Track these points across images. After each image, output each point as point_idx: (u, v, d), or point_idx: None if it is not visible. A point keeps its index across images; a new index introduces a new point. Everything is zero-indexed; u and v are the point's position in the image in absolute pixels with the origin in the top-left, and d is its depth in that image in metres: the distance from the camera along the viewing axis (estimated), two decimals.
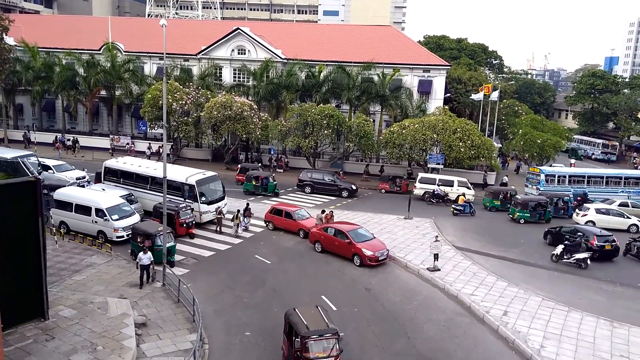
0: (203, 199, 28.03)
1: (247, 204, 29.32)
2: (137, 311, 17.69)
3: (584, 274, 24.30)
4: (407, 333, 17.62)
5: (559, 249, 25.72)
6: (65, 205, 25.58)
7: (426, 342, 17.10)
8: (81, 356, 14.44)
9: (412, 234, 28.70)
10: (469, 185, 37.74)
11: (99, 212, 24.63)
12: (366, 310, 19.17)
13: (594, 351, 16.75)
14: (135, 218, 25.56)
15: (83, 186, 34.16)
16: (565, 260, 25.31)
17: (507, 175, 46.19)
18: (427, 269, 23.15)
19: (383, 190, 39.50)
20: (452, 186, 37.28)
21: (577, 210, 33.64)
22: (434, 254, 23.22)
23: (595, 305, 20.53)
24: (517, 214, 32.79)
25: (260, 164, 43.97)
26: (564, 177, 40.00)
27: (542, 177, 39.26)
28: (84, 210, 25.04)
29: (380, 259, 23.57)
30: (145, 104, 43.40)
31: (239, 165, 41.01)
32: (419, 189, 37.66)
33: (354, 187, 37.74)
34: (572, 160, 56.66)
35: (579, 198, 37.19)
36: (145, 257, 19.53)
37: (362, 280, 22.03)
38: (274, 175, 38.29)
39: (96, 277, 20.53)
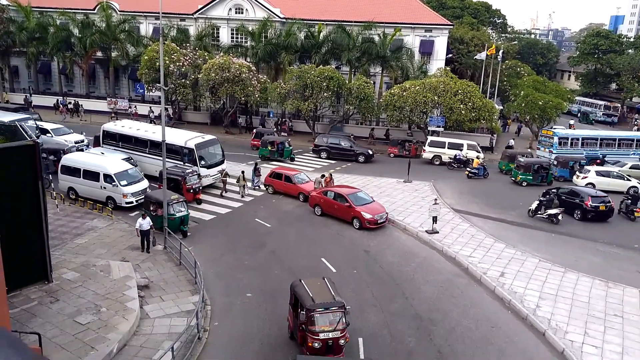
0: (202, 162, 27.89)
1: (256, 164, 30.25)
2: (140, 274, 17.95)
3: (580, 235, 24.55)
4: (405, 294, 17.93)
5: (534, 204, 26.62)
6: (73, 171, 25.25)
7: (423, 302, 17.42)
8: (85, 317, 14.74)
9: (411, 197, 28.80)
10: (478, 148, 37.68)
11: (107, 178, 24.30)
12: (365, 272, 19.45)
13: (588, 310, 17.08)
14: (144, 183, 25.30)
15: (82, 150, 34.09)
16: (539, 215, 26.27)
17: (513, 138, 45.86)
18: (426, 231, 23.35)
19: (392, 155, 39.03)
20: (462, 149, 37.15)
21: (577, 172, 33.68)
22: (433, 217, 23.38)
23: (592, 266, 20.82)
24: (520, 176, 32.82)
25: (261, 127, 43.65)
26: (577, 139, 39.71)
27: (555, 139, 39.07)
28: (92, 176, 24.68)
29: (379, 222, 23.74)
30: (142, 65, 42.72)
31: (254, 130, 40.14)
32: (429, 152, 37.45)
33: (370, 152, 37.22)
34: (571, 121, 56.19)
35: (597, 160, 37.17)
36: (145, 222, 19.40)
37: (361, 243, 22.25)
38: (289, 140, 37.60)
39: (98, 240, 20.73)
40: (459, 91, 38.58)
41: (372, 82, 43.15)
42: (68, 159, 25.96)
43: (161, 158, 25.76)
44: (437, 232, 23.21)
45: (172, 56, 41.48)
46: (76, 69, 52.11)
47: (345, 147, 37.42)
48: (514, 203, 29.00)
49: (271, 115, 46.20)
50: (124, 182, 24.43)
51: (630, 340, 15.53)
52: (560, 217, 25.84)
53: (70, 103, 49.16)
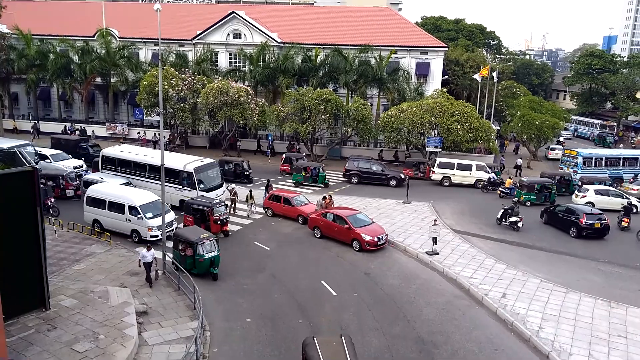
0: (201, 186, 27.92)
1: (268, 181, 31.70)
2: (138, 300, 17.77)
3: (581, 254, 24.45)
4: (407, 316, 17.76)
5: (500, 212, 28.19)
6: (98, 203, 24.17)
7: (425, 324, 17.24)
8: (83, 345, 14.53)
9: (410, 218, 28.76)
10: (487, 168, 37.88)
11: (133, 210, 23.20)
12: (366, 295, 19.29)
13: (592, 331, 16.90)
14: (171, 215, 23.86)
15: (81, 175, 34.03)
16: (504, 223, 27.90)
17: (520, 157, 45.58)
18: (426, 252, 23.25)
19: (407, 177, 37.41)
20: (470, 170, 37.30)
21: (576, 191, 33.77)
22: (433, 238, 23.31)
23: (593, 286, 20.68)
24: (524, 196, 32.80)
25: (269, 151, 43.79)
26: (601, 159, 40.50)
27: (580, 159, 39.65)
28: (117, 207, 23.62)
29: (379, 243, 23.66)
30: (141, 90, 43.09)
31: (284, 155, 39.85)
32: (438, 174, 37.46)
33: (402, 177, 36.40)
34: (561, 138, 56.34)
35: (633, 177, 37.99)
36: (149, 255, 18.62)
37: (362, 265, 22.13)
38: (323, 165, 37.19)
39: (96, 266, 20.58)
40: (456, 112, 38.93)
41: (369, 104, 43.54)
42: (93, 190, 24.93)
43: (160, 182, 25.80)
44: (438, 254, 23.10)
45: (171, 81, 41.90)
46: (75, 94, 52.57)
47: (377, 172, 36.96)
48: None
49: (269, 138, 46.38)
50: (149, 215, 23.14)
51: None
52: (520, 224, 27.37)
53: (77, 130, 49.24)
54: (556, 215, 28.42)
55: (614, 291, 20.23)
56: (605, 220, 26.82)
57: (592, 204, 31.37)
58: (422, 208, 30.84)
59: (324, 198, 28.21)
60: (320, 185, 35.41)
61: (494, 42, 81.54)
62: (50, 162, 34.03)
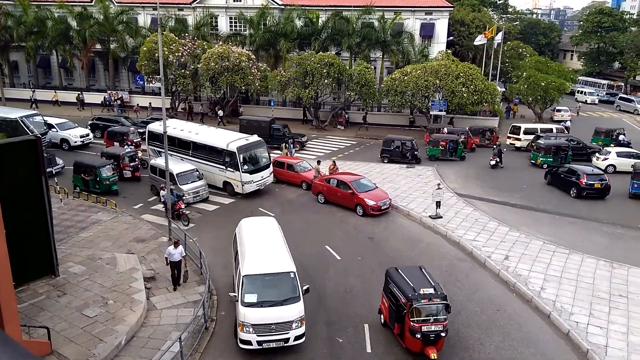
0: (245, 167, 25.48)
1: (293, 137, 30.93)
2: (145, 265, 18.07)
3: (584, 216, 24.52)
4: None
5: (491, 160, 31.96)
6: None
7: None
8: (93, 310, 14.88)
9: (414, 182, 28.78)
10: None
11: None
12: (370, 259, 19.52)
13: (593, 291, 17.12)
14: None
15: (87, 144, 34.33)
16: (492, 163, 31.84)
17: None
18: (429, 216, 23.37)
19: (474, 145, 36.61)
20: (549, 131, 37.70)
21: (597, 154, 33.44)
22: (436, 202, 23.37)
23: (596, 247, 20.82)
24: (540, 158, 32.58)
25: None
26: None
27: None
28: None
29: (382, 208, 23.76)
30: (141, 57, 42.53)
31: (426, 127, 38.16)
32: (524, 140, 37.05)
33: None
34: (579, 105, 55.45)
35: None
36: (177, 252, 16.55)
37: (365, 230, 22.30)
38: (461, 138, 34.74)
39: (103, 233, 20.84)
40: (461, 74, 38.32)
41: (372, 67, 42.91)
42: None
43: (205, 161, 26.50)
44: (441, 217, 23.21)
45: (171, 47, 41.28)
46: (76, 62, 51.94)
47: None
48: (517, 186, 28.94)
49: (272, 104, 45.97)
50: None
51: (635, 320, 15.58)
52: (492, 162, 31.93)
53: (118, 100, 48.14)
54: (559, 176, 28.52)
55: (616, 252, 20.38)
56: (606, 181, 26.82)
57: (614, 167, 31.23)
58: (426, 172, 30.80)
59: (319, 162, 28.15)
60: (457, 158, 33.66)
61: (500, 2, 79.44)
62: (57, 130, 34.17)
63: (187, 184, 24.73)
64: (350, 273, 18.33)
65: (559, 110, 49.69)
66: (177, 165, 25.55)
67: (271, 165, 27.27)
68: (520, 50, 59.58)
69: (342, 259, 19.46)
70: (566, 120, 46.09)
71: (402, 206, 24.84)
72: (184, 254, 16.95)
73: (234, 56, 40.33)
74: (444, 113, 39.70)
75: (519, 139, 37.82)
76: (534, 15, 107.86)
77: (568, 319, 15.43)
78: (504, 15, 79.98)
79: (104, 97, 48.66)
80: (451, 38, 54.10)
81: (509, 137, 38.65)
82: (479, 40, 47.69)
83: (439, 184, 25.15)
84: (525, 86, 45.41)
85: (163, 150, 27.69)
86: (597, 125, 40.79)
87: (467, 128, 38.35)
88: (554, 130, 38.04)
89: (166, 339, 14.02)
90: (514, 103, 52.30)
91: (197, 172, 25.57)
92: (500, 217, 23.67)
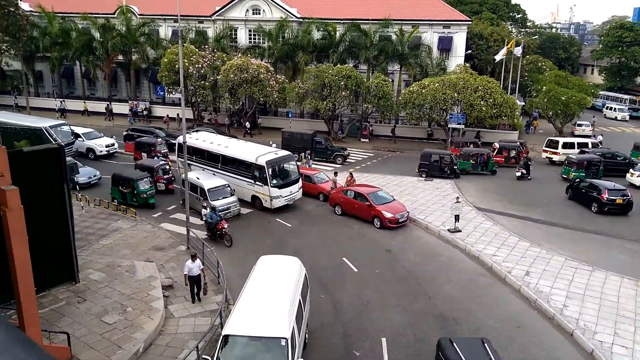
0: (274, 181, 24.95)
1: (335, 173, 29.47)
2: (164, 274, 18.16)
3: (607, 232, 24.03)
4: (428, 293, 17.78)
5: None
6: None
7: (447, 301, 17.25)
8: (112, 317, 14.97)
9: (432, 195, 28.56)
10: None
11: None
12: (387, 272, 19.35)
13: (617, 310, 16.70)
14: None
15: (113, 154, 34.93)
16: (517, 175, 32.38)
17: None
18: (448, 230, 23.13)
19: (497, 165, 34.91)
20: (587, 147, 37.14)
21: (631, 170, 32.79)
22: (455, 215, 23.14)
23: (619, 264, 20.36)
24: (572, 173, 31.97)
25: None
26: None
27: None
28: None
29: (400, 220, 23.60)
30: (162, 68, 43.25)
31: (450, 140, 38.19)
32: (562, 154, 36.38)
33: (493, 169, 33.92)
34: (594, 119, 54.46)
35: None
36: (195, 266, 16.25)
37: (383, 242, 22.15)
38: (492, 152, 34.65)
39: (123, 241, 21.04)
40: (479, 87, 38.12)
41: (390, 80, 42.94)
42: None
43: (234, 174, 26.08)
44: (460, 231, 22.96)
45: (191, 58, 41.90)
46: (98, 72, 53.00)
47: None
48: (538, 200, 28.53)
49: (290, 116, 46.20)
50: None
51: None
52: (518, 174, 32.34)
53: (145, 109, 49.23)
54: (580, 191, 28.15)
55: None
56: (628, 196, 26.39)
57: None
58: (444, 185, 30.57)
59: (336, 174, 28.14)
60: (488, 173, 33.38)
61: (519, 15, 79.11)
62: (83, 140, 34.72)
63: (219, 199, 23.85)
64: (367, 286, 18.18)
65: (579, 125, 49.04)
66: (209, 180, 24.86)
67: (300, 180, 26.49)
68: (539, 64, 59.16)
69: (359, 271, 19.33)
70: (596, 135, 45.25)
71: (420, 219, 24.65)
72: (202, 267, 16.62)
73: (253, 68, 40.75)
74: (462, 126, 39.44)
75: (556, 153, 37.17)
76: (553, 30, 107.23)
77: (592, 338, 15.05)
78: (523, 30, 79.56)
79: (131, 107, 49.47)
80: (469, 52, 54.00)
81: (545, 151, 38.10)
82: (500, 55, 47.46)
83: (457, 197, 24.94)
84: (545, 100, 44.98)
85: (193, 164, 27.97)
86: (636, 141, 39.88)
87: (497, 141, 38.42)
88: (590, 145, 37.41)
89: (184, 347, 14.02)
90: (534, 117, 51.70)
91: (229, 188, 24.78)
92: (521, 232, 23.32)
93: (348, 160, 36.60)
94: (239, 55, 44.67)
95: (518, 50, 47.54)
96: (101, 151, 34.84)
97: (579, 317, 16.19)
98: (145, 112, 49.00)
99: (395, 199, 25.08)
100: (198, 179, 24.77)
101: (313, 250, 21.27)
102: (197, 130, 35.70)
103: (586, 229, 24.43)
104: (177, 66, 38.49)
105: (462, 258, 20.85)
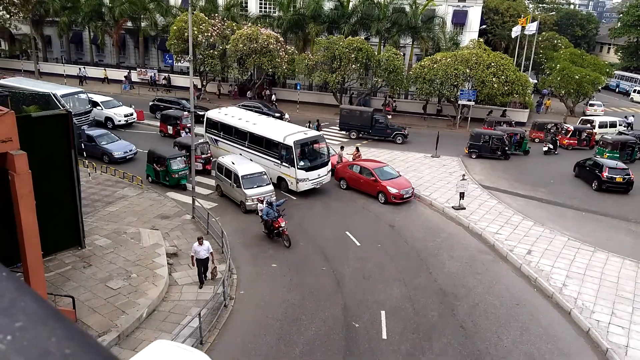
0: (301, 163, 23.65)
1: (318, 120, 31.53)
2: (169, 242, 18.44)
3: (612, 214, 23.98)
4: (429, 268, 17.96)
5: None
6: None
7: (447, 277, 17.43)
8: (117, 282, 15.30)
9: (438, 172, 28.53)
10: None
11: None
12: (389, 246, 19.52)
13: (616, 290, 16.81)
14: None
15: (131, 123, 34.27)
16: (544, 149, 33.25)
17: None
18: (452, 207, 23.19)
19: (570, 147, 34.94)
20: (616, 126, 37.03)
21: None
22: (460, 193, 23.15)
23: (622, 246, 20.38)
24: (607, 154, 31.53)
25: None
26: None
27: None
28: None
29: (405, 196, 23.65)
30: (171, 36, 42.86)
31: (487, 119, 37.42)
32: (598, 134, 35.81)
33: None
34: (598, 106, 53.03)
35: None
36: (203, 249, 15.74)
37: (387, 218, 22.27)
38: (525, 132, 34.43)
39: (128, 208, 21.31)
40: (492, 64, 37.54)
41: (402, 53, 42.32)
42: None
43: (261, 153, 25.08)
44: (464, 209, 23.00)
45: (201, 26, 41.46)
46: (107, 38, 52.70)
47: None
48: (544, 179, 28.43)
49: (298, 88, 45.88)
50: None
51: None
52: (545, 149, 33.26)
53: (164, 78, 49.05)
54: (585, 169, 28.46)
55: None
56: (629, 175, 26.54)
57: None
58: (451, 163, 30.48)
59: (342, 148, 28.11)
60: (522, 153, 32.96)
61: None
62: (102, 109, 34.34)
63: (253, 188, 21.84)
64: (369, 260, 18.38)
65: (592, 105, 48.35)
66: (243, 165, 22.90)
67: (330, 163, 25.08)
68: (555, 41, 57.96)
69: (362, 245, 19.51)
70: (628, 116, 44.41)
71: (425, 196, 24.69)
72: (211, 251, 16.01)
73: (263, 38, 40.32)
74: (472, 103, 39.01)
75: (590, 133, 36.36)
76: (571, 6, 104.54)
77: (589, 317, 15.21)
78: (540, 5, 77.68)
79: (150, 75, 49.20)
80: (484, 27, 52.94)
81: None
82: (516, 31, 46.49)
83: (463, 175, 24.87)
84: (559, 78, 44.26)
85: (221, 139, 26.98)
86: None
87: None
88: (619, 126, 37.12)
89: (186, 314, 14.35)
90: (545, 96, 50.87)
91: (266, 176, 22.73)
92: (525, 212, 23.33)
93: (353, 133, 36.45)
94: (249, 24, 44.15)
95: (532, 27, 46.41)
96: (120, 120, 34.10)
97: (578, 296, 16.33)
98: (164, 81, 48.59)
99: (400, 175, 25.09)
100: (233, 163, 22.86)
101: (317, 223, 21.44)
102: (244, 105, 35.08)
103: (591, 209, 24.39)
104: (186, 34, 38.15)
105: (464, 235, 20.96)
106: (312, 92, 47.21)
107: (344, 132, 35.85)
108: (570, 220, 22.95)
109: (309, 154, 24.60)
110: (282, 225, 18.89)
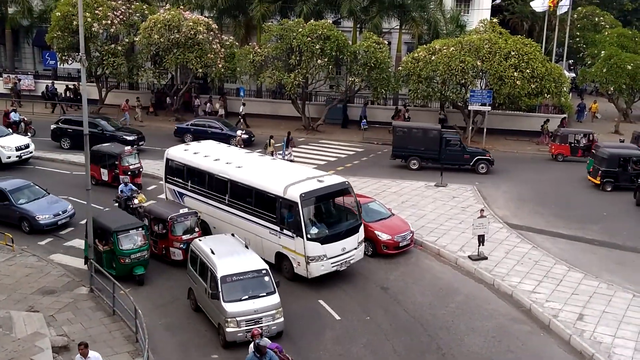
0: (313, 230, 21.15)
1: (289, 133, 36.09)
2: (55, 329, 17.92)
3: None
4: (442, 348, 17.95)
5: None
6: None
7: (468, 359, 17.46)
8: None
9: (446, 207, 28.91)
10: None
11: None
12: (382, 318, 19.47)
13: None
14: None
15: (27, 160, 33.62)
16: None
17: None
18: (469, 257, 23.44)
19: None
20: None
21: None
22: (479, 236, 23.41)
23: None
24: None
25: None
26: None
27: None
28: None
29: (401, 244, 23.80)
30: (53, 25, 42.80)
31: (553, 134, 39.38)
32: None
33: None
34: None
35: None
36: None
37: (376, 276, 22.30)
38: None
39: None
40: (512, 53, 38.71)
41: (386, 42, 43.33)
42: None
43: (248, 214, 22.62)
44: (486, 258, 23.26)
45: (96, 12, 41.57)
46: None
47: None
48: (595, 213, 29.13)
49: (242, 94, 46.16)
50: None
51: None
52: None
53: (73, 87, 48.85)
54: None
55: None
56: None
57: None
58: (463, 193, 30.99)
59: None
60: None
61: None
62: None
63: (239, 300, 17.75)
64: (354, 340, 18.24)
65: None
66: (227, 258, 18.90)
67: (362, 229, 22.50)
68: (596, 19, 60.36)
69: (343, 318, 19.39)
70: None
71: (429, 242, 24.89)
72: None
73: (187, 25, 40.69)
74: (488, 108, 39.81)
75: None
76: None
77: None
78: None
79: (46, 86, 48.84)
80: (498, 1, 54.85)
81: None
82: (539, 4, 48.04)
83: (482, 210, 25.24)
84: (604, 70, 45.82)
85: (187, 193, 24.89)
86: None
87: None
88: None
89: None
90: (583, 92, 52.27)
91: (268, 278, 18.63)
92: (571, 259, 23.74)
93: (328, 158, 36.72)
94: (167, 7, 44.48)
95: (565, 3, 48.00)
96: (9, 157, 32.36)
97: None
98: (69, 94, 48.29)
99: (394, 214, 25.29)
100: (213, 252, 18.95)
101: (279, 289, 21.20)
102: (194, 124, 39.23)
103: None
104: (75, 23, 38.16)
105: (488, 296, 21.12)
106: (262, 100, 47.78)
107: (399, 160, 36.07)
108: (635, 268, 23.44)
109: (327, 215, 22.42)
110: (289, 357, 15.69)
